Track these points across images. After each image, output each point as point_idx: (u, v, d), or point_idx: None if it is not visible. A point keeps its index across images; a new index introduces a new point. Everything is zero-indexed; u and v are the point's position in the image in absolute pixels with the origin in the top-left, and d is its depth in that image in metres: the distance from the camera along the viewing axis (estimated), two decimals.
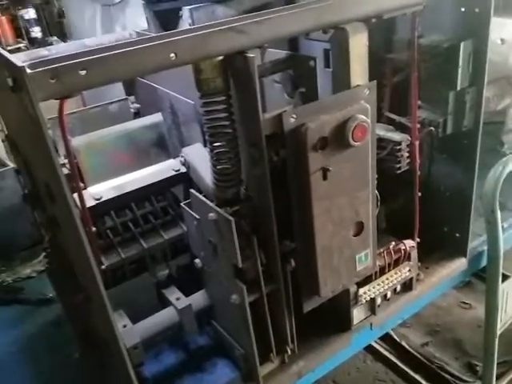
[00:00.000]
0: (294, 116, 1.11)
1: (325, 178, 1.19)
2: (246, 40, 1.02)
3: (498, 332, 2.07)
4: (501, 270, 1.91)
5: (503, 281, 1.98)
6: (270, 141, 1.12)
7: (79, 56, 0.87)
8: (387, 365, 2.91)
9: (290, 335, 1.40)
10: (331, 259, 1.31)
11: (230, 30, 0.98)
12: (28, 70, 0.80)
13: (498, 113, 2.78)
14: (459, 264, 1.82)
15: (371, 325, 1.61)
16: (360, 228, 1.33)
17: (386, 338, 2.98)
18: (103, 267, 1.29)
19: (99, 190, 1.32)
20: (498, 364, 2.44)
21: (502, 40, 2.76)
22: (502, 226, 1.99)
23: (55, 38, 7.19)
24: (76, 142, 1.28)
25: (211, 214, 1.20)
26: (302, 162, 1.15)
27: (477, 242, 1.96)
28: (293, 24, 1.06)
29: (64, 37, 6.93)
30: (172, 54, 0.95)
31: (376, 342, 2.99)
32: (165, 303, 1.50)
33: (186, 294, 1.50)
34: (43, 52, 1.35)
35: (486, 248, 1.93)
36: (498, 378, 2.36)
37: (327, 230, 1.26)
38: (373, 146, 1.26)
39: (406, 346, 2.93)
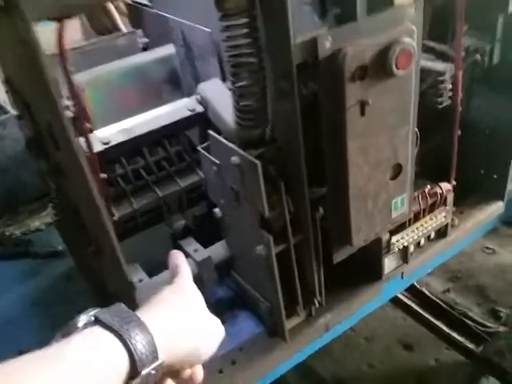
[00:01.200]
0: (330, 39, 0.94)
1: (363, 113, 1.04)
2: None
3: None
4: None
5: None
6: (301, 71, 0.97)
7: None
8: (407, 312, 2.85)
9: (318, 287, 1.30)
10: (365, 204, 1.18)
11: None
12: None
13: None
14: (495, 208, 1.69)
15: (402, 274, 1.51)
16: (398, 170, 1.20)
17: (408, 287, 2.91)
18: (114, 219, 1.17)
19: (107, 134, 1.18)
20: None
21: None
22: None
23: None
24: (79, 78, 1.13)
25: (234, 158, 1.06)
26: (336, 94, 1.00)
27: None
28: None
29: None
30: None
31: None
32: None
33: (205, 246, 1.40)
34: None
35: None
36: None
37: (362, 171, 1.13)
38: (416, 76, 1.10)
39: (427, 293, 2.86)
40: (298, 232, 1.18)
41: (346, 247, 1.27)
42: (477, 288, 2.91)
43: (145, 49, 1.55)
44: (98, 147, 1.13)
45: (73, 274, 1.68)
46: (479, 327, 2.64)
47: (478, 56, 1.34)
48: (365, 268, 1.43)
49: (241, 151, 1.06)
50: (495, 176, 1.65)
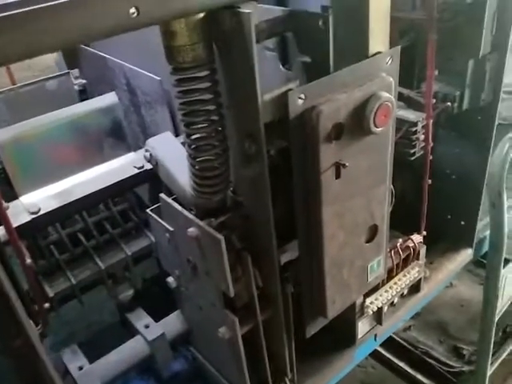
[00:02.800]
0: (303, 96, 0.81)
1: (338, 175, 0.91)
2: None
3: (497, 316, 1.92)
4: (503, 257, 1.73)
5: (504, 265, 1.81)
6: (267, 130, 0.83)
7: None
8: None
9: (289, 364, 1.15)
10: (341, 273, 1.05)
11: None
12: None
13: None
14: (465, 256, 1.62)
15: (375, 336, 1.38)
16: (374, 232, 1.08)
17: None
18: (46, 305, 0.97)
19: (36, 200, 0.98)
20: None
21: None
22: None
23: None
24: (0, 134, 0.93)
25: (191, 229, 0.90)
26: (310, 156, 0.87)
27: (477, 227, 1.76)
28: None
29: None
30: (132, 10, 0.63)
31: None
32: (130, 329, 1.21)
33: (157, 313, 1.22)
34: None
35: (487, 233, 1.73)
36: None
37: (338, 238, 1.00)
38: (393, 131, 0.99)
39: None
40: (267, 307, 1.03)
41: (320, 319, 1.12)
42: (438, 324, 2.86)
43: (82, 91, 1.36)
44: (23, 218, 0.94)
45: None
46: (443, 367, 2.58)
47: (448, 103, 1.25)
48: (338, 335, 1.30)
49: (199, 222, 0.90)
50: (463, 222, 1.58)
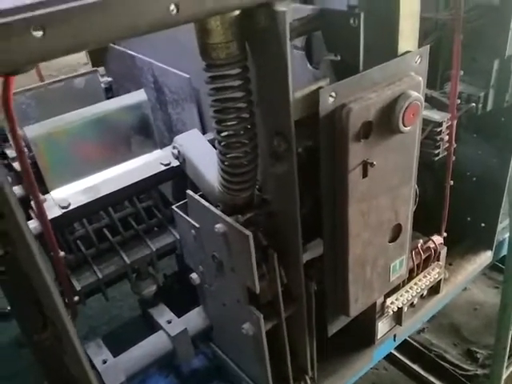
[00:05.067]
0: (334, 94, 0.82)
1: (365, 174, 0.92)
2: None
3: None
4: None
5: None
6: (299, 127, 0.84)
7: (32, 8, 0.55)
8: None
9: (310, 363, 1.15)
10: (364, 272, 1.06)
11: None
12: None
13: None
14: (484, 258, 1.61)
15: (395, 336, 1.38)
16: (397, 232, 1.08)
17: None
18: (76, 297, 0.98)
19: (66, 195, 1.00)
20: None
21: None
22: None
23: None
24: (32, 131, 0.95)
25: (218, 225, 0.91)
26: (339, 154, 0.88)
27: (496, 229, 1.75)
28: None
29: None
30: (172, 7, 0.64)
31: None
32: (153, 324, 1.22)
33: (177, 309, 1.23)
34: None
35: (506, 236, 1.72)
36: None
37: (363, 237, 1.00)
38: (420, 131, 0.99)
39: None
40: (290, 305, 1.04)
41: (342, 317, 1.13)
42: (451, 327, 2.84)
43: (108, 89, 1.38)
44: (54, 212, 0.95)
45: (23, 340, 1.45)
46: (457, 370, 2.56)
47: (473, 104, 1.25)
48: (357, 334, 1.30)
49: (227, 218, 0.91)
50: (483, 224, 1.58)
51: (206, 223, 0.97)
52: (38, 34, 0.55)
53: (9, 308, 1.71)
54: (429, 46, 0.94)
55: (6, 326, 1.59)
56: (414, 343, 2.73)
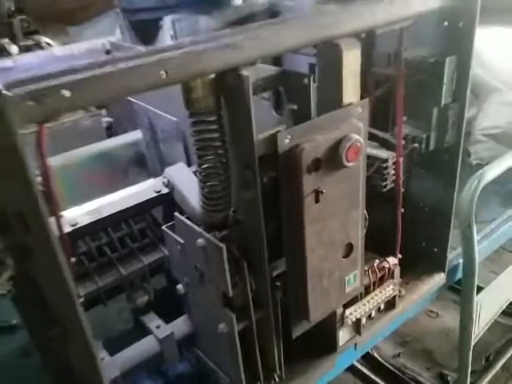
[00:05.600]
0: (289, 137, 1.06)
1: (317, 200, 1.14)
2: (240, 56, 0.96)
3: (473, 342, 2.09)
4: (476, 284, 1.93)
5: (477, 293, 2.00)
6: (262, 161, 1.07)
7: (62, 75, 0.78)
8: (359, 377, 2.90)
9: (278, 362, 1.35)
10: (321, 282, 1.26)
11: (226, 47, 0.92)
12: (6, 92, 0.71)
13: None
14: (438, 279, 1.82)
15: (355, 345, 1.58)
16: (349, 249, 1.30)
17: None
18: (81, 300, 1.19)
19: (74, 215, 1.22)
20: None
21: None
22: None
23: (6, 40, 6.82)
24: (52, 161, 1.18)
25: (200, 240, 1.13)
26: (295, 184, 1.10)
27: (452, 255, 1.96)
28: (288, 39, 1.01)
29: (14, 38, 6.56)
30: (162, 72, 0.88)
31: None
32: (144, 330, 1.42)
33: (165, 318, 1.42)
34: (7, 63, 1.24)
35: (461, 261, 1.94)
36: None
37: (318, 253, 1.22)
38: (364, 166, 1.23)
39: (378, 358, 2.93)
40: (260, 309, 1.24)
41: (304, 322, 1.33)
42: (424, 352, 3.02)
43: (108, 128, 1.62)
44: (65, 228, 1.17)
45: (29, 349, 1.62)
46: None
47: (416, 144, 1.50)
48: (321, 340, 1.49)
49: (206, 234, 1.13)
50: (436, 249, 1.79)
51: (190, 239, 1.18)
52: (67, 93, 0.78)
53: (14, 321, 1.92)
54: (368, 99, 1.18)
55: (12, 338, 1.78)
56: (390, 367, 2.89)
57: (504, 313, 3.02)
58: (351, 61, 1.12)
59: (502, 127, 2.57)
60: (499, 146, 2.60)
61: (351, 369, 2.94)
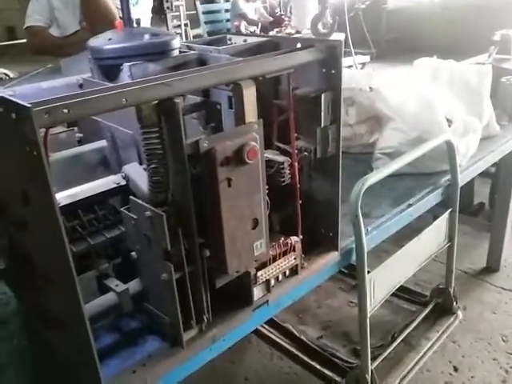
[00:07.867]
0: (207, 142, 1.61)
1: (229, 185, 1.69)
2: (173, 90, 1.51)
3: (369, 314, 2.64)
4: (366, 262, 2.51)
5: (369, 272, 2.59)
6: (190, 158, 1.61)
7: (64, 99, 1.31)
8: (290, 356, 3.43)
9: (206, 307, 1.86)
10: (235, 245, 1.79)
11: (162, 84, 1.47)
12: (33, 109, 1.23)
13: (370, 145, 3.52)
14: (333, 256, 2.38)
15: (267, 301, 2.10)
16: (256, 223, 1.84)
17: (288, 335, 3.52)
18: None
19: (59, 197, 1.71)
20: (375, 348, 3.06)
21: (371, 88, 3.53)
22: (367, 230, 2.63)
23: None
24: None
25: (147, 212, 1.65)
26: (212, 174, 1.65)
27: (348, 241, 2.54)
28: (205, 80, 1.57)
29: None
30: (123, 99, 1.41)
31: (280, 339, 3.52)
32: (105, 291, 1.90)
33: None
34: (9, 92, 1.74)
35: (354, 245, 2.53)
36: (375, 358, 2.94)
37: (232, 223, 1.75)
38: (262, 164, 1.79)
39: (304, 339, 3.48)
40: (191, 264, 1.76)
41: (225, 276, 1.86)
42: (343, 334, 3.60)
43: (79, 141, 2.13)
44: None
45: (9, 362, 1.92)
46: (344, 364, 3.28)
47: (306, 153, 2.09)
48: (240, 295, 2.02)
49: (152, 208, 1.65)
50: (331, 234, 2.37)
51: (141, 214, 1.70)
52: (65, 111, 1.30)
53: None
54: (262, 119, 1.76)
55: None
56: (314, 346, 3.44)
57: (409, 300, 3.69)
58: (249, 95, 1.70)
59: (394, 147, 3.24)
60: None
61: (284, 351, 3.48)
